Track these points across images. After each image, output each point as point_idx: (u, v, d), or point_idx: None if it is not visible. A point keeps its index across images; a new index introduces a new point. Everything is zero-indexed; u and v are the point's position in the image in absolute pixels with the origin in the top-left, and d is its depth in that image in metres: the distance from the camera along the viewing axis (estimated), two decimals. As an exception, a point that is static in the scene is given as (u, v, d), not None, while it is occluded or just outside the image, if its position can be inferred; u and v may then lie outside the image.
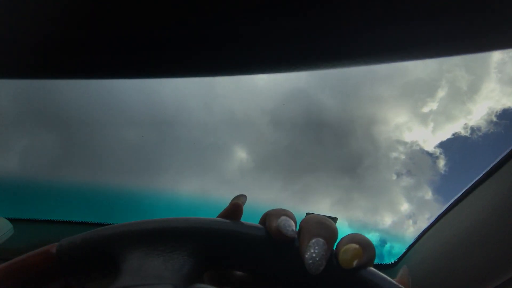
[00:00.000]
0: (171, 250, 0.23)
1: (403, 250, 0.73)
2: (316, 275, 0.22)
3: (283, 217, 0.24)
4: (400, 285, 0.23)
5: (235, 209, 0.26)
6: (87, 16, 0.11)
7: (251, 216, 0.28)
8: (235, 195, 0.28)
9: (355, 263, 0.22)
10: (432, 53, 0.11)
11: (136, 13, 0.11)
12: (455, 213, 0.59)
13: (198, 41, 0.12)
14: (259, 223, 0.26)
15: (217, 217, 0.27)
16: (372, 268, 0.23)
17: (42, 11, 0.11)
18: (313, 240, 0.23)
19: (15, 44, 0.12)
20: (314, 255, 0.22)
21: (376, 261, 0.80)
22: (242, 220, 0.26)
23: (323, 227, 0.24)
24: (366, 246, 0.23)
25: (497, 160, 0.51)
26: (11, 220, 0.67)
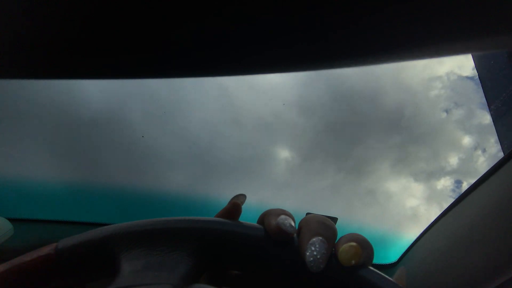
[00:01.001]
0: (171, 250, 0.23)
1: (404, 249, 0.73)
2: (316, 274, 0.23)
3: (283, 216, 0.24)
4: (398, 284, 0.23)
5: (234, 208, 0.26)
6: (87, 15, 0.11)
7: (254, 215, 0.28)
8: (235, 195, 0.28)
9: (354, 261, 0.23)
10: (433, 52, 0.11)
11: (137, 11, 0.11)
12: (455, 213, 0.59)
13: (199, 40, 0.12)
14: (257, 223, 0.26)
15: (215, 216, 0.27)
16: (371, 267, 0.24)
17: (40, 9, 0.11)
18: (314, 239, 0.23)
19: (14, 44, 0.12)
20: (315, 253, 0.22)
21: (376, 261, 0.80)
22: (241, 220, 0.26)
23: (323, 226, 0.24)
24: (364, 245, 0.23)
25: (497, 160, 0.51)
26: (11, 220, 0.67)
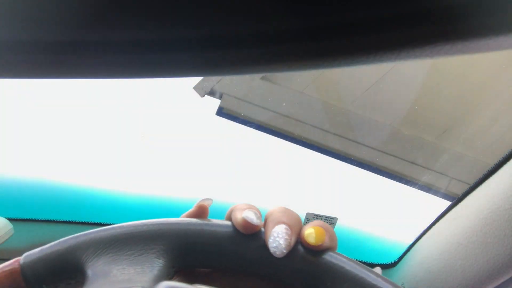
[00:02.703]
0: (139, 254, 0.24)
1: (404, 250, 0.73)
2: (285, 263, 0.24)
3: (247, 210, 0.25)
4: (363, 265, 0.24)
5: (201, 211, 0.27)
6: (87, 13, 0.11)
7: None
8: (202, 198, 0.28)
9: (319, 242, 0.24)
10: (433, 52, 0.11)
11: (135, 11, 0.11)
12: (455, 213, 0.59)
13: (199, 40, 0.12)
14: (225, 219, 0.27)
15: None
16: (337, 252, 0.25)
17: (39, 8, 0.11)
18: (276, 226, 0.24)
19: (14, 43, 0.12)
20: (277, 239, 0.23)
21: (376, 261, 0.80)
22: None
23: (285, 215, 0.25)
24: (327, 229, 0.25)
25: (497, 160, 0.51)
26: (11, 220, 0.67)
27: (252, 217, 0.24)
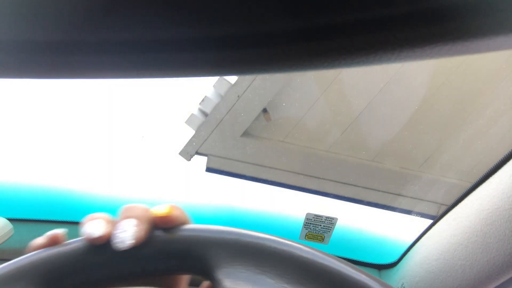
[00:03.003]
0: None
1: (404, 250, 0.73)
2: (146, 253, 0.23)
3: (87, 223, 0.24)
4: (225, 227, 0.24)
5: (53, 241, 0.25)
6: (87, 14, 0.11)
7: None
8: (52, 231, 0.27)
9: (169, 212, 0.24)
10: (434, 53, 0.11)
11: (135, 12, 0.11)
12: (454, 213, 0.59)
13: (199, 40, 0.12)
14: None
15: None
16: (192, 224, 0.25)
17: (39, 9, 0.11)
18: (117, 224, 0.24)
19: (15, 43, 0.12)
20: (118, 234, 0.23)
21: (376, 261, 0.79)
22: None
23: (127, 210, 0.25)
24: (174, 205, 0.25)
25: (497, 160, 0.51)
26: (11, 220, 0.67)
27: (90, 230, 0.24)
